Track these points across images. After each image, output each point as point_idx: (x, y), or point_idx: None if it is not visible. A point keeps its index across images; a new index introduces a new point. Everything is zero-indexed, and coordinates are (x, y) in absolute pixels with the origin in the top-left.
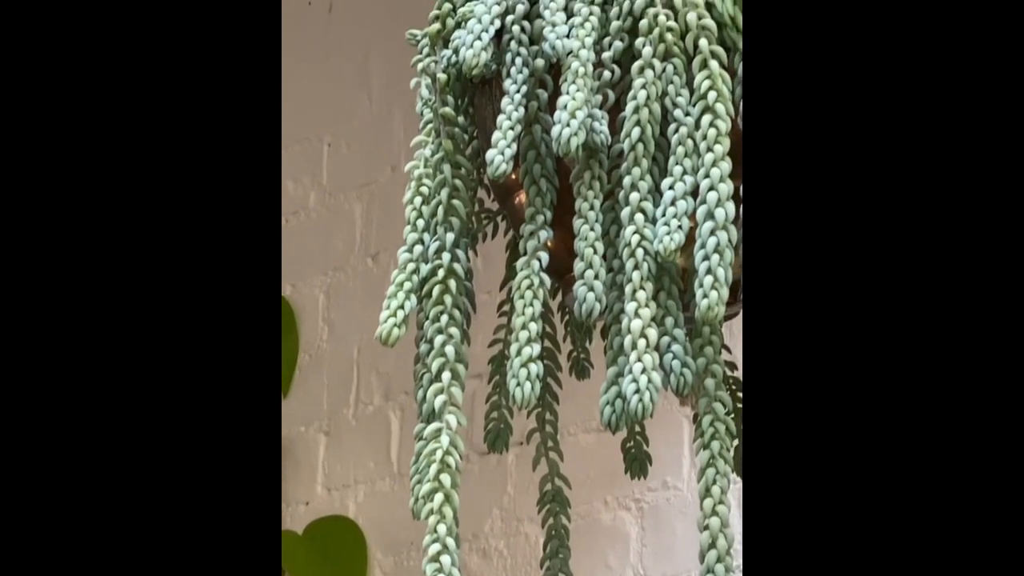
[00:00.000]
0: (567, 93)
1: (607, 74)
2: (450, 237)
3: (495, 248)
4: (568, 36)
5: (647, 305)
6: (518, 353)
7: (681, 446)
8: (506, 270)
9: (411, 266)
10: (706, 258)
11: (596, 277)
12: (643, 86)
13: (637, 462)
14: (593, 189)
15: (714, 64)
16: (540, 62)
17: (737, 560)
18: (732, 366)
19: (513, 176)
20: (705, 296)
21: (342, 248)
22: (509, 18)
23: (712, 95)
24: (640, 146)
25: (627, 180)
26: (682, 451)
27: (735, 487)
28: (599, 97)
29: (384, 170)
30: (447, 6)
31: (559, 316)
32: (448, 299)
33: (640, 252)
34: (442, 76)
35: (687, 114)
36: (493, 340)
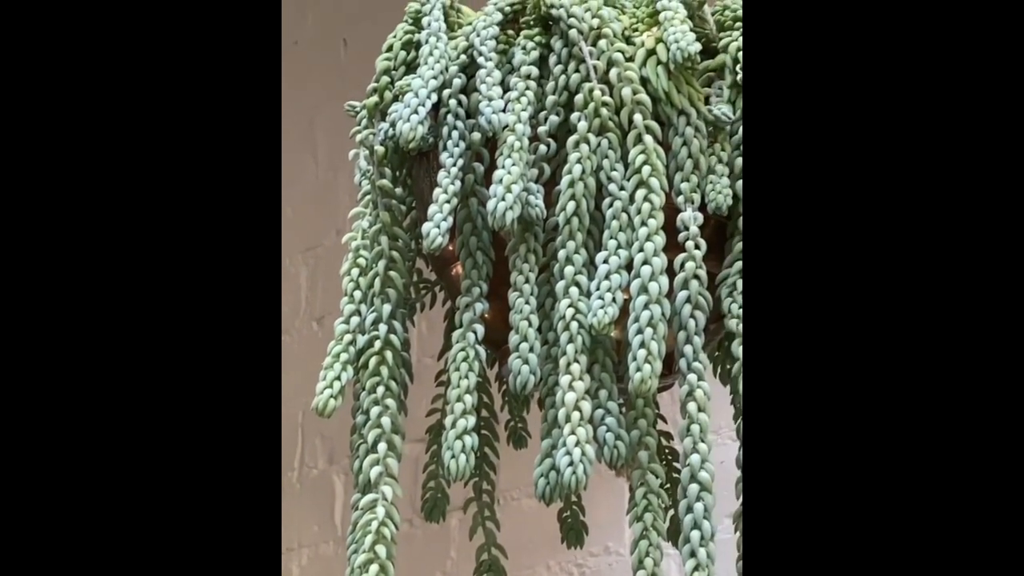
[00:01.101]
0: (502, 167)
1: (543, 148)
2: (387, 308)
3: (439, 312)
4: (504, 110)
5: (581, 378)
6: (453, 425)
7: (622, 511)
8: (444, 339)
9: (348, 337)
10: (639, 331)
11: (531, 350)
12: (578, 160)
13: (573, 532)
14: (528, 262)
15: (648, 139)
16: (476, 136)
17: None
18: (668, 436)
19: (450, 247)
20: (639, 369)
21: (288, 311)
22: (446, 92)
23: (646, 169)
24: (575, 220)
25: (562, 253)
26: (623, 516)
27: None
28: (535, 171)
29: (329, 234)
30: (385, 79)
31: (497, 386)
32: (384, 370)
33: (574, 325)
34: (379, 148)
35: (622, 188)
36: (431, 410)
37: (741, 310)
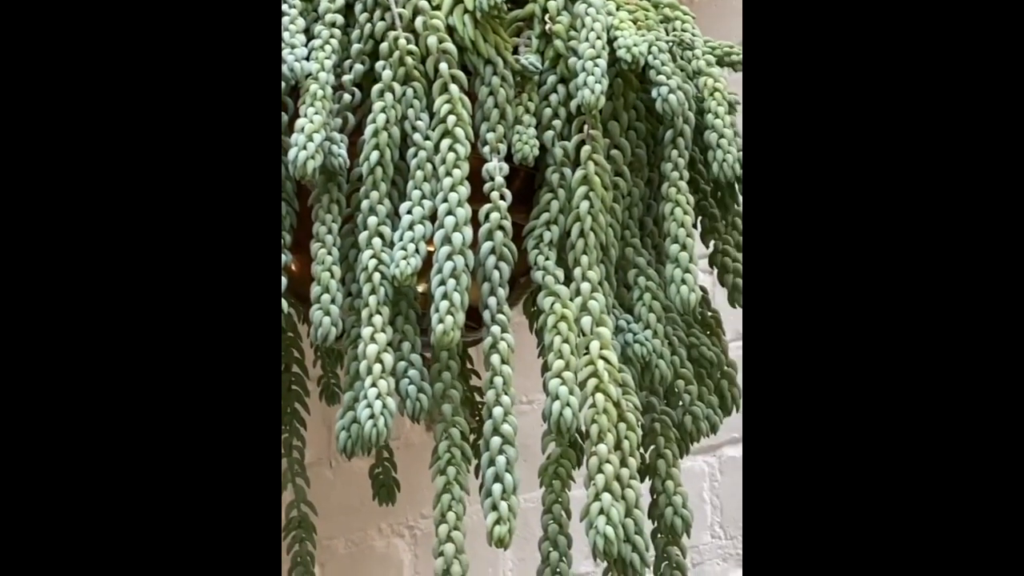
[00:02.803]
0: (305, 116)
1: (347, 97)
2: None
3: None
4: (308, 59)
5: (383, 330)
6: None
7: None
8: None
9: None
10: (442, 283)
11: (332, 301)
12: (383, 109)
13: (385, 488)
14: (331, 212)
15: (454, 88)
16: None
17: None
18: (476, 390)
19: None
20: (441, 321)
21: None
22: None
23: (452, 119)
24: (379, 169)
25: (365, 204)
26: None
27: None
28: (339, 120)
29: None
30: None
31: (309, 341)
32: None
33: (377, 276)
34: None
35: (426, 138)
36: None
37: (548, 262)
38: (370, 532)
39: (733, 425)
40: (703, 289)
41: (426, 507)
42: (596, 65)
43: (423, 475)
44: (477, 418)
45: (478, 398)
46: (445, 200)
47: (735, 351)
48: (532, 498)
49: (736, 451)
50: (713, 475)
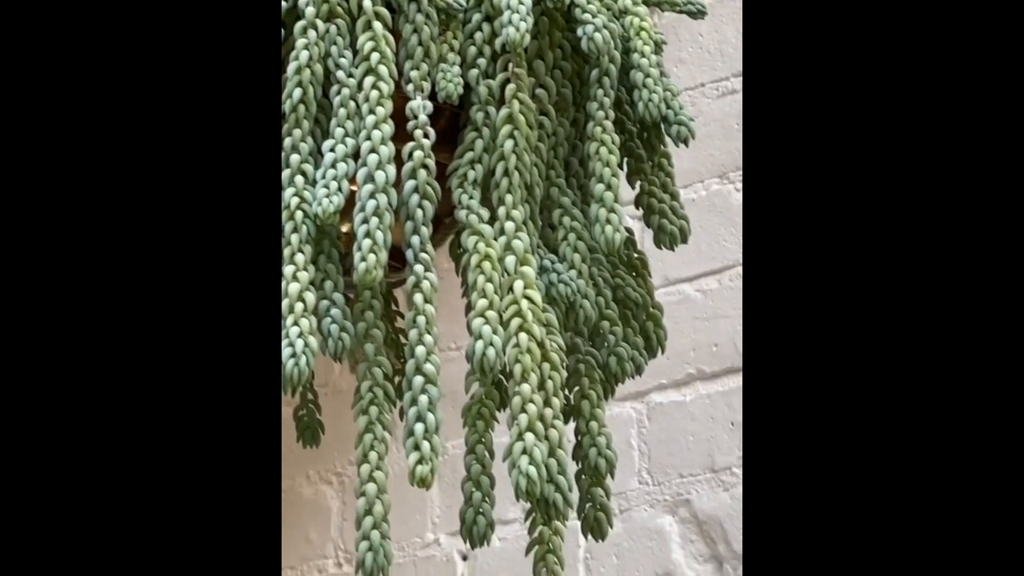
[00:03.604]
0: None
1: None
2: None
3: None
4: None
5: (305, 268)
6: None
7: None
8: None
9: None
10: (365, 221)
11: None
12: (305, 46)
13: (309, 430)
14: None
15: (378, 25)
16: None
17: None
18: (402, 332)
19: None
20: (363, 259)
21: None
22: None
23: (375, 56)
24: (301, 107)
25: (288, 141)
26: None
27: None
28: None
29: None
30: None
31: None
32: None
33: (299, 215)
34: None
35: (350, 75)
36: None
37: (472, 201)
38: (298, 479)
39: (661, 371)
40: (629, 230)
41: (354, 454)
42: (521, 3)
43: (350, 422)
44: (401, 360)
45: (402, 339)
46: (368, 138)
47: (662, 296)
48: (460, 444)
49: (663, 397)
50: (641, 421)
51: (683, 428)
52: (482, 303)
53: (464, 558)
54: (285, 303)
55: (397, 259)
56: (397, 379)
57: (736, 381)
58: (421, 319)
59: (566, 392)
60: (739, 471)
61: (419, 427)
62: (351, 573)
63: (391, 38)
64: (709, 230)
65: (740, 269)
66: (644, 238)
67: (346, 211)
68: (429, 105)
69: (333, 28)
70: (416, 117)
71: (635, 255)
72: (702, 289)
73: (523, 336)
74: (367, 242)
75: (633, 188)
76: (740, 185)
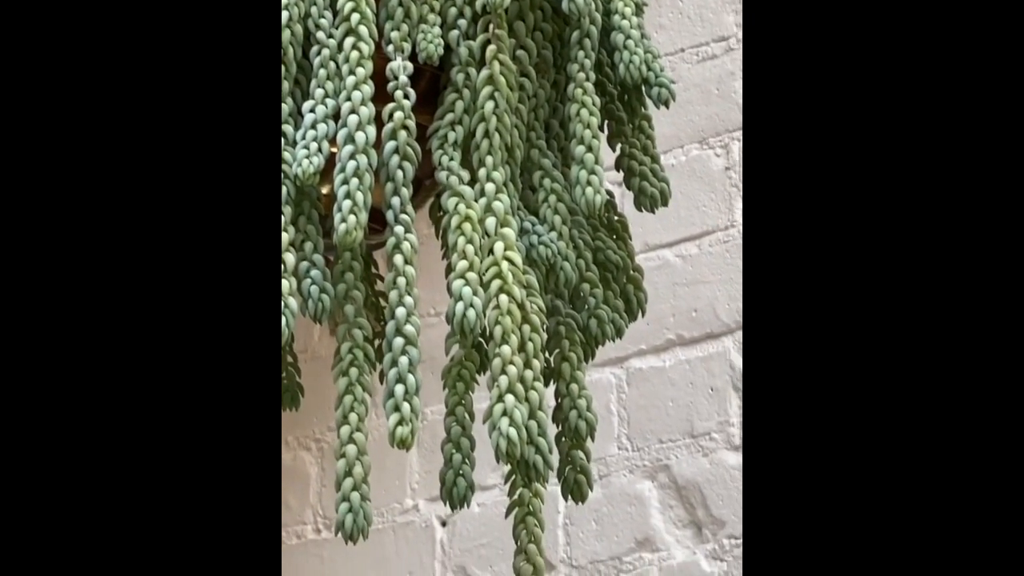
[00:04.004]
0: None
1: None
2: None
3: None
4: None
5: (286, 229)
6: None
7: None
8: None
9: None
10: (345, 182)
11: None
12: (286, 6)
13: (288, 393)
14: None
15: None
16: None
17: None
18: (383, 296)
19: None
20: (344, 220)
21: None
22: None
23: (355, 17)
24: (282, 68)
25: None
26: None
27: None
28: None
29: None
30: None
31: None
32: None
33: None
34: None
35: (330, 36)
36: None
37: (453, 163)
38: None
39: (640, 336)
40: (609, 193)
41: (333, 420)
42: None
43: (330, 388)
44: (381, 323)
45: (382, 303)
46: (348, 99)
47: (642, 261)
48: (439, 410)
49: (643, 362)
50: (620, 387)
51: (663, 394)
52: (462, 265)
53: (443, 524)
54: None
55: (377, 221)
56: (377, 342)
57: (716, 347)
58: (401, 280)
59: (546, 355)
60: (719, 436)
61: (399, 388)
62: (330, 538)
63: None
64: (689, 195)
65: (720, 235)
66: (624, 202)
67: (326, 172)
68: (409, 66)
69: None
70: (396, 78)
71: (615, 218)
72: (682, 255)
73: (503, 298)
74: (347, 203)
75: (614, 151)
76: (719, 151)
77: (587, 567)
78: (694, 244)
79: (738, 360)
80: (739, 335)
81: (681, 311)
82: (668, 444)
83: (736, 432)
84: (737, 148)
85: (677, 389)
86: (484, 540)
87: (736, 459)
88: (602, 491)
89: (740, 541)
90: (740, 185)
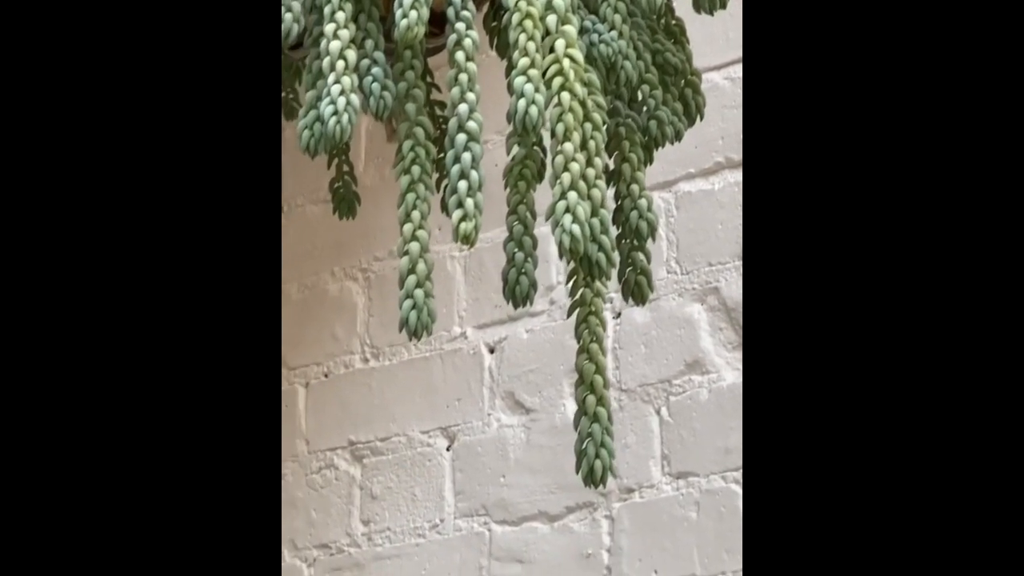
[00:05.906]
0: None
1: None
2: None
3: None
4: None
5: (346, 26)
6: None
7: None
8: None
9: None
10: None
11: None
12: None
13: (345, 202)
14: None
15: None
16: None
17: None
18: (439, 104)
19: None
20: (405, 16)
21: None
22: None
23: None
24: None
25: None
26: None
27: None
28: None
29: None
30: None
31: None
32: None
33: None
34: None
35: None
36: None
37: None
38: (323, 276)
39: (689, 160)
40: None
41: (379, 250)
42: None
43: (375, 218)
44: (439, 130)
45: (438, 112)
46: None
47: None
48: (487, 238)
49: (691, 185)
50: (669, 211)
51: (711, 216)
52: (523, 61)
53: (491, 351)
54: (327, 61)
55: (435, 24)
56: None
57: None
58: (463, 76)
59: (607, 157)
60: None
61: (463, 184)
62: (378, 367)
63: None
64: (739, 17)
65: None
66: (680, 4)
67: None
68: None
69: None
70: None
71: (673, 21)
72: (730, 77)
73: (565, 95)
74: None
75: None
76: None
77: (636, 390)
78: (742, 67)
79: None
80: None
81: (730, 134)
82: (717, 267)
83: None
84: None
85: (726, 211)
86: (532, 366)
87: None
88: (651, 314)
89: None
90: None
